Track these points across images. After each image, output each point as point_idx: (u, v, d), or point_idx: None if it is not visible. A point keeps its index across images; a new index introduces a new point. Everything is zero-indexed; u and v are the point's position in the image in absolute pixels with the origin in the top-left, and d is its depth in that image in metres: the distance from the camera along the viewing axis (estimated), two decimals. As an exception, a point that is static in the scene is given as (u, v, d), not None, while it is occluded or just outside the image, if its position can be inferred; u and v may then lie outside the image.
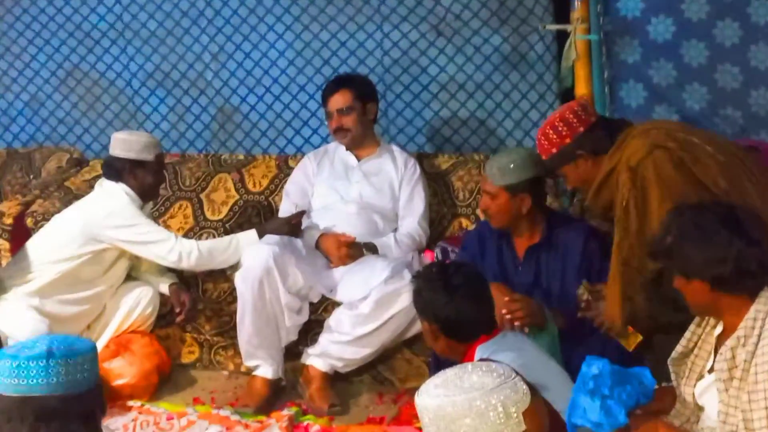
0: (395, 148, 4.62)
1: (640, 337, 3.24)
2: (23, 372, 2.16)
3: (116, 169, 4.27)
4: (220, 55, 5.24)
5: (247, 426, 3.96)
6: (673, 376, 2.78)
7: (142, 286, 4.38)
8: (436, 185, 4.70)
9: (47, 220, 4.57)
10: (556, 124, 3.38)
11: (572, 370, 2.94)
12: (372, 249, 4.32)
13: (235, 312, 4.21)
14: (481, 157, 4.78)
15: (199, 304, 4.42)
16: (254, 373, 4.19)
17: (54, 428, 2.15)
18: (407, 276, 3.98)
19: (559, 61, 4.51)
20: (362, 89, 4.50)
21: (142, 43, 5.34)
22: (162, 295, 4.40)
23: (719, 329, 2.67)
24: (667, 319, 3.02)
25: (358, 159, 4.56)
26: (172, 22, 5.28)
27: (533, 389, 2.02)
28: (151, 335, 4.42)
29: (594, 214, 3.85)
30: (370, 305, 4.05)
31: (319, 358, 4.14)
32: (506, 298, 3.46)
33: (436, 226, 4.61)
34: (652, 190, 3.10)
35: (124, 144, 4.28)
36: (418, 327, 3.89)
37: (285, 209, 4.58)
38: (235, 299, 4.24)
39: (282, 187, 4.79)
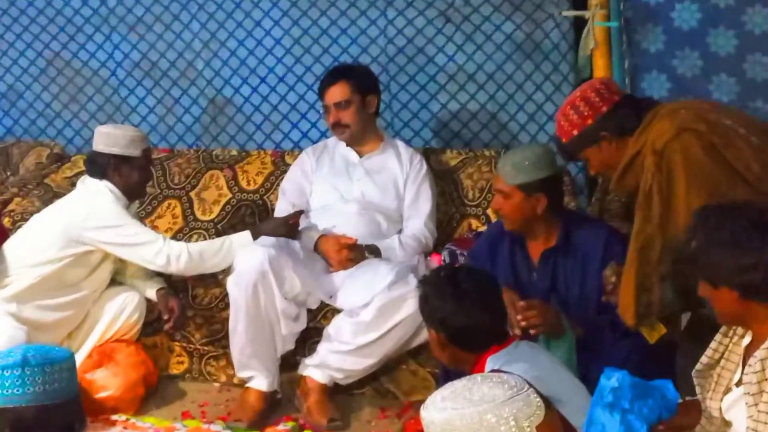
0: (400, 144, 4.63)
1: (663, 330, 3.23)
2: (-3, 382, 2.18)
3: (100, 166, 4.28)
4: (211, 43, 5.25)
5: (239, 442, 3.98)
6: (698, 389, 2.77)
7: (127, 292, 4.39)
8: (444, 183, 4.71)
9: (26, 220, 4.59)
10: (578, 103, 3.35)
11: (590, 382, 2.95)
12: (374, 252, 4.33)
13: (227, 319, 4.22)
14: (492, 153, 4.79)
15: (188, 310, 4.43)
16: (248, 385, 4.20)
17: (31, 441, 2.17)
18: (412, 281, 3.99)
19: (576, 49, 4.52)
20: (361, 80, 4.50)
21: (128, 29, 5.36)
22: (149, 301, 4.41)
23: (747, 339, 2.67)
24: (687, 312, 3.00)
25: (360, 155, 4.57)
26: (160, 7, 5.30)
27: (548, 402, 2.02)
28: (137, 344, 4.42)
29: (612, 213, 3.84)
30: (372, 312, 4.06)
31: (317, 369, 4.14)
32: (521, 303, 3.46)
33: (443, 227, 4.62)
34: (679, 175, 3.08)
35: (108, 138, 4.29)
36: (423, 336, 3.91)
37: (281, 209, 4.58)
38: (227, 306, 4.25)
39: (278, 185, 4.81)
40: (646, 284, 3.13)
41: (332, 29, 5.05)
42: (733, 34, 4.18)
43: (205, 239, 4.73)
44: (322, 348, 4.15)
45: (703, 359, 2.74)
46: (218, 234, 4.76)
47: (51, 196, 4.95)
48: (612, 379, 2.63)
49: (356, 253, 4.31)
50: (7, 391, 2.16)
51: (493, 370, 2.78)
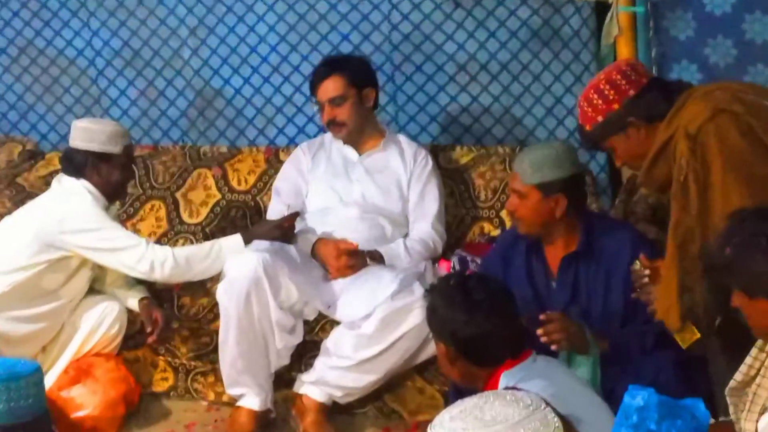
0: (403, 139, 4.63)
1: (697, 335, 3.22)
2: (-40, 400, 2.18)
3: (77, 164, 4.29)
4: (199, 30, 5.25)
5: (229, 466, 3.99)
6: (731, 409, 2.78)
7: (106, 301, 4.40)
8: (453, 183, 4.71)
9: (-4, 222, 4.60)
10: (602, 87, 3.33)
11: (615, 400, 2.94)
12: (377, 258, 4.33)
13: (216, 332, 4.23)
14: (506, 150, 4.79)
15: (174, 322, 4.43)
16: (238, 403, 4.21)
17: (-4, 462, 2.17)
18: (418, 290, 4.00)
19: (598, 37, 4.52)
20: (356, 72, 4.48)
21: (108, 15, 5.36)
22: (130, 311, 4.42)
23: (787, 354, 2.67)
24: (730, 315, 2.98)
25: (359, 153, 4.57)
26: (143, -10, 5.31)
27: (567, 423, 2.03)
28: (118, 358, 4.43)
29: (638, 216, 3.83)
30: (374, 324, 4.05)
31: (314, 387, 4.15)
32: (541, 317, 3.46)
33: (453, 231, 4.62)
34: (715, 160, 3.07)
35: (86, 134, 4.29)
36: (431, 350, 3.90)
37: (275, 210, 4.58)
38: (216, 316, 4.26)
39: (271, 184, 4.81)
40: (687, 283, 3.12)
41: (331, 14, 5.04)
42: (770, 20, 4.19)
43: (192, 244, 4.73)
44: (320, 363, 4.15)
45: (737, 376, 2.74)
46: (206, 238, 4.76)
47: (24, 196, 4.96)
48: (637, 398, 2.62)
49: (357, 259, 4.31)
50: (-34, 412, 2.17)
51: (507, 387, 2.78)
